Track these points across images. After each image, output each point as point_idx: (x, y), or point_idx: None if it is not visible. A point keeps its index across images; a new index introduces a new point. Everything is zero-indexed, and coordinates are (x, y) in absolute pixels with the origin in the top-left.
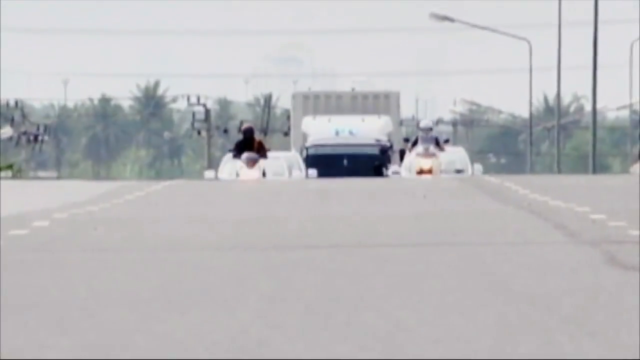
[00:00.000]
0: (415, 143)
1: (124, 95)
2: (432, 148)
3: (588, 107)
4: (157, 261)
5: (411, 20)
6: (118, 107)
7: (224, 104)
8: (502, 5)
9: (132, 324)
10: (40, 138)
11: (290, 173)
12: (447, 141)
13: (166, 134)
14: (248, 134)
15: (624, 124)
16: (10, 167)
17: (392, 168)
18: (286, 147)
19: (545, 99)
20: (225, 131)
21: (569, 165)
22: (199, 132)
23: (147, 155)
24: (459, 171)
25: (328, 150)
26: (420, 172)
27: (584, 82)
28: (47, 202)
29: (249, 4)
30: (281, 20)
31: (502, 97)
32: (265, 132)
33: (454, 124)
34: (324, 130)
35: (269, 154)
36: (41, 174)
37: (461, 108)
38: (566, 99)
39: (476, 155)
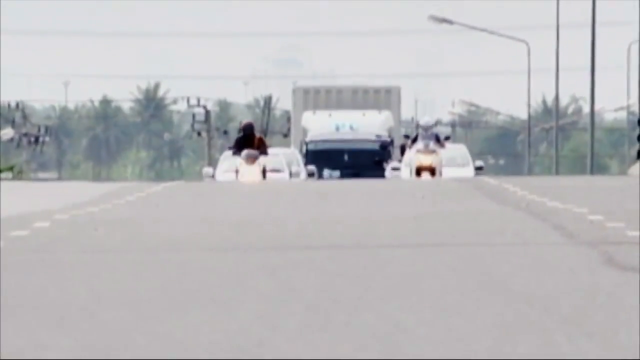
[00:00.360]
0: (415, 140)
1: (125, 97)
2: (432, 145)
3: (586, 109)
4: (158, 262)
5: (410, 23)
6: (118, 109)
7: (224, 105)
8: (501, 7)
9: (133, 324)
10: (41, 139)
11: (289, 169)
12: (447, 138)
13: (166, 136)
14: (248, 130)
15: (622, 126)
16: (11, 168)
17: (392, 164)
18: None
19: (544, 101)
20: (225, 132)
21: (567, 167)
22: (199, 134)
23: (147, 156)
24: (478, 168)
25: (328, 146)
26: (420, 168)
27: (582, 84)
28: (48, 203)
29: (249, 6)
30: (281, 22)
31: (500, 98)
32: (265, 133)
33: (453, 125)
34: (324, 126)
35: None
36: (42, 175)
37: (460, 109)
38: (564, 101)
39: (475, 157)
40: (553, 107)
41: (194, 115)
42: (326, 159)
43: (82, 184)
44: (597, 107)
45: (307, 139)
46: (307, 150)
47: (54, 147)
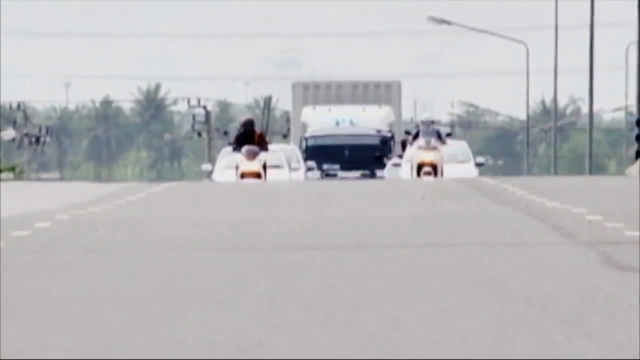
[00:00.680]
0: (416, 136)
1: (125, 97)
2: (433, 141)
3: (584, 109)
4: (158, 262)
5: (409, 24)
6: (119, 110)
7: (224, 106)
8: (500, 8)
9: (133, 324)
10: (42, 140)
11: (289, 166)
12: (449, 134)
13: (167, 136)
14: (248, 126)
15: (620, 126)
16: (12, 168)
17: (393, 160)
18: None
19: (543, 101)
20: (226, 133)
21: (566, 167)
22: (199, 134)
23: (147, 157)
24: (480, 164)
25: (328, 141)
26: (422, 165)
27: (581, 85)
28: (48, 203)
29: (249, 7)
30: (280, 23)
31: (499, 99)
32: (264, 134)
33: (452, 126)
34: (324, 121)
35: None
36: (43, 175)
37: (459, 110)
38: (563, 101)
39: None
40: (552, 107)
41: (194, 116)
42: (326, 154)
43: (82, 184)
44: (595, 107)
45: (307, 134)
46: (306, 146)
47: (55, 147)
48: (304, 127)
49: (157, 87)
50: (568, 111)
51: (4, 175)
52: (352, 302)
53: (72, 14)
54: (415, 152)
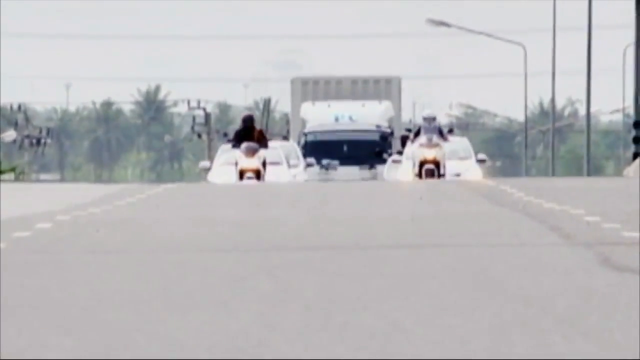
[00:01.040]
0: (418, 133)
1: (126, 99)
2: (435, 138)
3: (582, 111)
4: (158, 262)
5: (408, 26)
6: (119, 111)
7: (224, 107)
8: (498, 10)
9: (133, 324)
10: (43, 141)
11: (287, 162)
12: (451, 131)
13: (167, 138)
14: (248, 122)
15: (618, 128)
16: (13, 169)
17: (393, 157)
18: None
19: (540, 103)
20: (225, 135)
21: (564, 168)
22: (199, 136)
23: (148, 158)
24: (481, 160)
25: (327, 137)
26: (424, 162)
27: (578, 86)
28: (49, 204)
29: (249, 9)
30: (280, 25)
31: (497, 100)
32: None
33: (450, 127)
34: (323, 116)
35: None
36: (44, 176)
37: (457, 111)
38: (561, 103)
39: None
40: (550, 109)
41: (194, 118)
42: (325, 150)
43: (83, 185)
44: (593, 109)
45: (306, 130)
46: (305, 142)
47: (55, 148)
48: (303, 123)
49: (157, 88)
50: (566, 113)
51: (5, 176)
52: (351, 302)
53: (73, 16)
54: (417, 150)
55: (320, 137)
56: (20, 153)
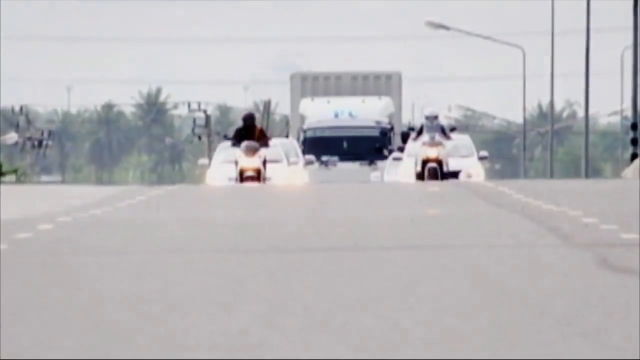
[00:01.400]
0: (420, 132)
1: (127, 101)
2: (437, 137)
3: (580, 113)
4: (159, 263)
5: (408, 28)
6: (120, 114)
7: (224, 110)
8: (497, 13)
9: (134, 324)
10: (44, 143)
11: (287, 160)
12: (453, 129)
13: (167, 140)
14: (249, 121)
15: (616, 130)
16: (14, 171)
17: (393, 154)
18: None
19: (539, 105)
20: (226, 137)
21: (562, 170)
22: (199, 138)
23: (148, 160)
24: (483, 157)
25: (326, 133)
26: (427, 160)
27: (577, 89)
28: (51, 205)
29: (249, 12)
30: (280, 28)
31: (496, 103)
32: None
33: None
34: (323, 112)
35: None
36: (45, 178)
37: (456, 114)
38: (559, 105)
39: None
40: (548, 111)
41: (194, 120)
42: (324, 146)
43: (84, 187)
44: (591, 111)
45: (305, 126)
46: (305, 138)
47: (57, 150)
48: (302, 119)
49: (158, 91)
50: (564, 115)
51: (7, 178)
52: (351, 303)
53: (74, 19)
54: (420, 148)
55: (319, 134)
56: (21, 155)
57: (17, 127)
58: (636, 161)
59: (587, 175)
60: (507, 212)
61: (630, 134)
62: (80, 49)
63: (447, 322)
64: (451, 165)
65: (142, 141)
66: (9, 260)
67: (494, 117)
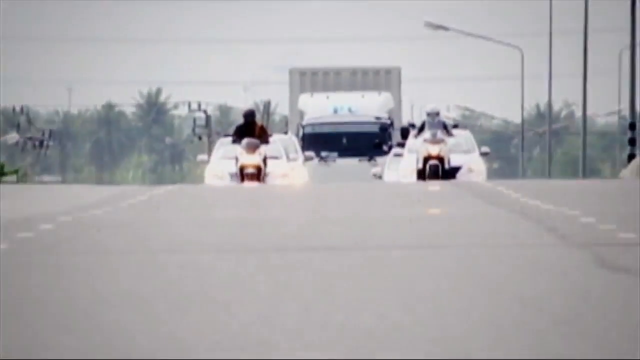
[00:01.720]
0: (422, 129)
1: (127, 102)
2: (439, 134)
3: (578, 113)
4: (159, 263)
5: (407, 29)
6: (121, 114)
7: (224, 110)
8: (495, 14)
9: (134, 324)
10: (45, 143)
11: (287, 156)
12: (456, 126)
13: (168, 140)
14: (249, 117)
15: (613, 130)
16: (16, 171)
17: (394, 150)
18: None
19: (537, 105)
20: (226, 135)
21: (560, 170)
22: (199, 138)
23: (149, 160)
24: (484, 153)
25: (325, 129)
26: (428, 158)
27: (575, 89)
28: (52, 205)
29: (249, 12)
30: (280, 28)
31: (494, 103)
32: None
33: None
34: (322, 108)
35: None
36: (46, 178)
37: (455, 114)
38: (557, 105)
39: None
40: (546, 111)
41: (194, 120)
42: (323, 142)
43: (85, 187)
44: (589, 111)
45: (304, 122)
46: (303, 134)
47: (57, 151)
48: (301, 114)
49: (158, 91)
50: (562, 115)
51: (8, 178)
52: (350, 302)
53: (74, 20)
54: (422, 146)
55: (318, 129)
56: (22, 155)
57: (17, 127)
58: (634, 161)
59: (584, 175)
60: (506, 211)
61: (628, 134)
62: (80, 49)
63: (445, 322)
64: (452, 160)
65: (143, 141)
66: (10, 259)
67: (492, 117)
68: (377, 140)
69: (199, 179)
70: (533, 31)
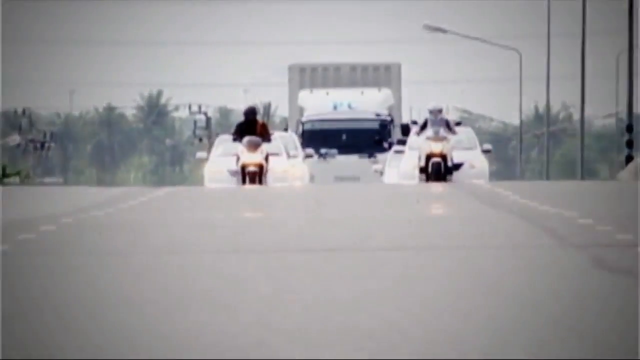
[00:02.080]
0: (424, 126)
1: (128, 104)
2: (442, 131)
3: (576, 116)
4: (159, 264)
5: (405, 32)
6: (122, 116)
7: (224, 112)
8: (493, 17)
9: (135, 324)
10: (46, 145)
11: (287, 153)
12: (459, 123)
13: (168, 142)
14: (250, 115)
15: (611, 132)
16: (18, 173)
17: (395, 147)
18: None
19: (535, 108)
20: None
21: (558, 172)
22: (200, 140)
23: (150, 162)
24: (486, 151)
25: (325, 125)
26: (431, 155)
27: (573, 91)
28: (53, 207)
29: (249, 15)
30: (280, 31)
31: (493, 105)
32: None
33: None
34: (322, 104)
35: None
36: (47, 180)
37: (453, 116)
38: (555, 108)
39: None
40: (544, 113)
41: (195, 122)
42: (323, 139)
43: (86, 188)
44: (587, 114)
45: (303, 118)
46: (303, 130)
47: (59, 152)
48: (301, 111)
49: (159, 93)
50: (560, 117)
51: (10, 179)
52: (349, 303)
53: (76, 22)
54: (424, 143)
55: (318, 126)
56: (24, 157)
57: (19, 129)
58: (631, 163)
59: (582, 177)
60: (504, 213)
61: (626, 136)
62: (82, 52)
63: (444, 322)
64: (454, 157)
65: (144, 143)
66: (12, 260)
67: (490, 119)
68: (377, 137)
69: (200, 181)
70: (531, 33)
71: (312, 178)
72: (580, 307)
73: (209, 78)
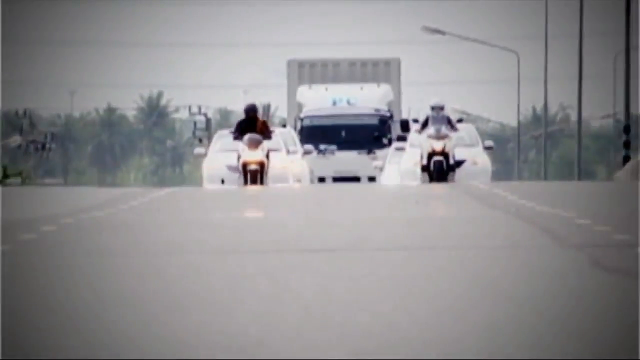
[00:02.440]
0: (425, 124)
1: (128, 105)
2: (444, 129)
3: (574, 116)
4: (160, 264)
5: (404, 33)
6: (122, 117)
7: (224, 113)
8: (492, 18)
9: (135, 324)
10: (47, 146)
11: (286, 149)
12: (460, 121)
13: (169, 143)
14: (251, 112)
15: (608, 133)
16: (19, 174)
17: (395, 144)
18: None
19: (533, 109)
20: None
21: (556, 172)
22: (200, 140)
23: (150, 163)
24: (488, 147)
25: (324, 121)
26: (433, 153)
27: (570, 92)
28: (54, 207)
29: (249, 16)
30: (280, 32)
31: (491, 106)
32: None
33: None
34: (320, 100)
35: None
36: (48, 180)
37: (451, 117)
38: (553, 109)
39: None
40: (542, 114)
41: (195, 123)
42: (322, 135)
43: (87, 189)
44: (584, 114)
45: (302, 114)
46: (302, 126)
47: (59, 153)
48: (300, 107)
49: (159, 95)
50: (558, 118)
51: (12, 180)
52: (349, 303)
53: (76, 24)
54: (426, 141)
55: (317, 122)
56: (25, 158)
57: (20, 130)
58: (628, 164)
59: (580, 178)
60: (502, 213)
61: (623, 137)
62: (83, 53)
63: (442, 322)
64: (456, 154)
65: (144, 144)
66: (13, 260)
67: (488, 120)
68: (376, 133)
69: (199, 179)
70: (529, 35)
71: (311, 174)
72: (579, 307)
73: (209, 79)
